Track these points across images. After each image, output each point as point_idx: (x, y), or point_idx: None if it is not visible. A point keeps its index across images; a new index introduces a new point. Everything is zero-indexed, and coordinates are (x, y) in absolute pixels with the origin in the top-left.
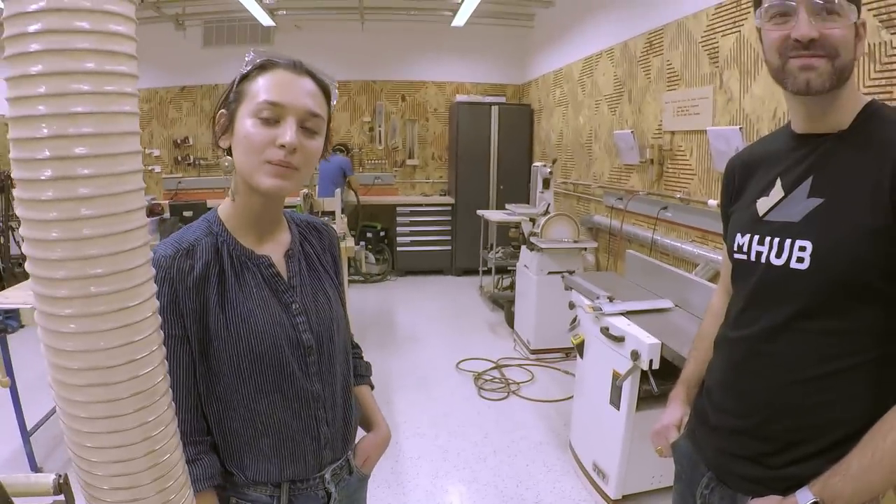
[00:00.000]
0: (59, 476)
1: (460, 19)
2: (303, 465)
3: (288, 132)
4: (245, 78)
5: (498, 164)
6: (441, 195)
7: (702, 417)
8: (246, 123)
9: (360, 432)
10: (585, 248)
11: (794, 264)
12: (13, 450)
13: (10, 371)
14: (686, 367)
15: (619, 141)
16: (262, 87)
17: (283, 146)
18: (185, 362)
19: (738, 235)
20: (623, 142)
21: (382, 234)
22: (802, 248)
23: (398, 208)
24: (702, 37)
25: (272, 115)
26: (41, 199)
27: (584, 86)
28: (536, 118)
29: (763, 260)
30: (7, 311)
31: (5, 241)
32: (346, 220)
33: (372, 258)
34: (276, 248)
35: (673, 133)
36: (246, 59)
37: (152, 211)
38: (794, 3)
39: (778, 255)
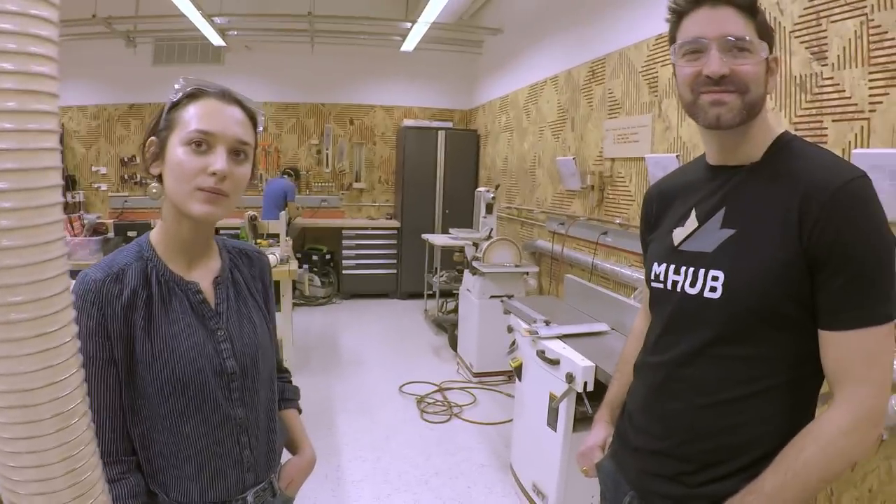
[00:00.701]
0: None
1: (409, 44)
2: (225, 488)
3: (219, 160)
4: (175, 106)
5: (444, 188)
6: (387, 219)
7: (623, 439)
8: (178, 151)
9: (288, 455)
10: (527, 273)
11: (707, 294)
12: None
13: None
14: (610, 389)
15: (561, 167)
16: (193, 116)
17: (214, 174)
18: (111, 384)
19: (656, 264)
20: (565, 168)
21: (328, 257)
22: (715, 279)
23: (344, 231)
24: (642, 66)
25: (203, 144)
26: None
27: (528, 112)
28: (482, 143)
29: (679, 289)
30: None
31: None
32: (290, 242)
33: (318, 281)
34: (205, 275)
35: (613, 160)
36: (175, 86)
37: (96, 230)
38: (706, 41)
39: (692, 285)
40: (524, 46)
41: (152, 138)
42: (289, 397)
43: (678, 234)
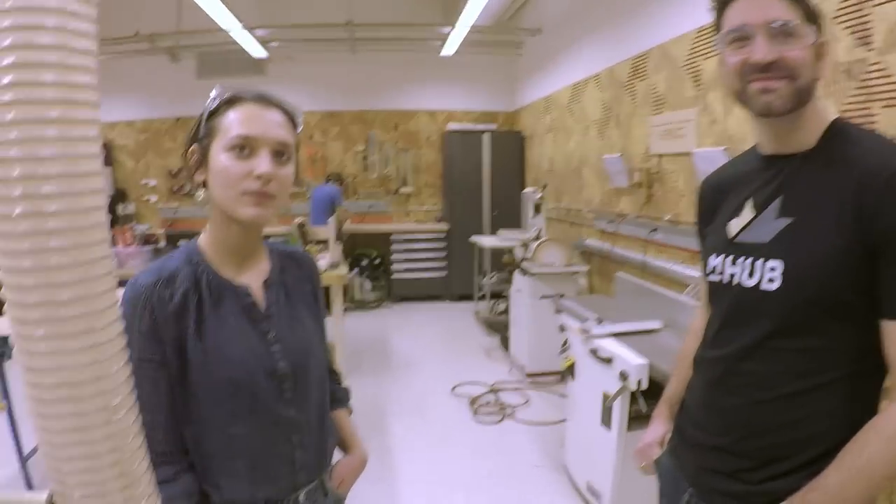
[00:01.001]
0: (52, 494)
1: (449, 49)
2: (277, 488)
3: (262, 163)
4: (214, 113)
5: (491, 190)
6: (436, 222)
7: (682, 435)
8: (221, 158)
9: (340, 455)
10: (577, 272)
11: (764, 285)
12: (10, 473)
13: (6, 396)
14: (669, 385)
15: (608, 165)
16: (234, 122)
17: (259, 177)
18: (164, 387)
19: (712, 257)
20: (612, 166)
21: (378, 261)
22: (773, 269)
23: (393, 236)
24: (684, 60)
25: (246, 148)
26: (15, 232)
27: (572, 111)
28: (528, 144)
29: (736, 281)
30: (4, 338)
31: None
32: (340, 247)
33: (368, 285)
34: (254, 278)
35: (660, 156)
36: (212, 94)
37: (147, 240)
38: (751, 28)
39: (750, 276)
40: (564, 45)
41: (194, 146)
42: (339, 398)
43: (734, 226)
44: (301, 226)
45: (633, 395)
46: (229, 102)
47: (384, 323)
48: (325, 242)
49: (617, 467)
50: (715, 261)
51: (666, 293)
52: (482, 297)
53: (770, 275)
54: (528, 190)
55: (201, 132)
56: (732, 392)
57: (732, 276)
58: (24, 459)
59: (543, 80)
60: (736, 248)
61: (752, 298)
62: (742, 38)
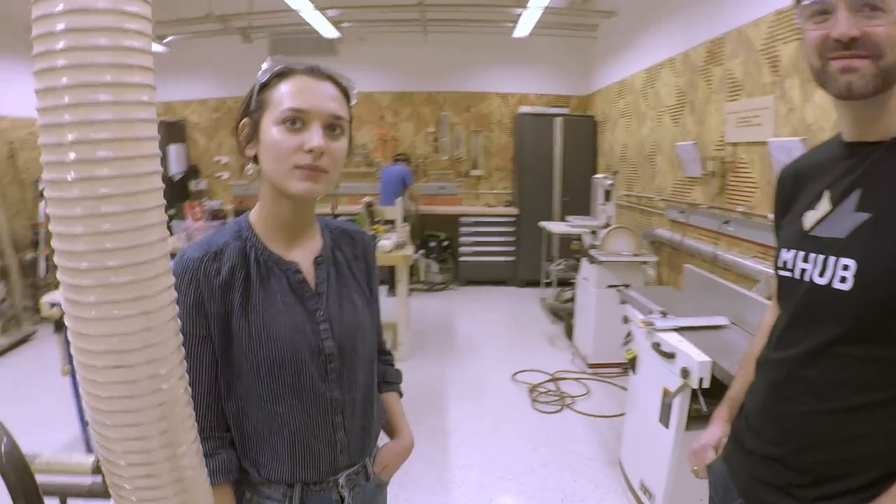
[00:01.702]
0: (98, 460)
1: (522, 30)
2: (316, 469)
3: (315, 137)
4: (265, 86)
5: (562, 175)
6: (505, 206)
7: (737, 440)
8: (272, 131)
9: (385, 439)
10: (646, 262)
11: (836, 284)
12: (72, 436)
13: (70, 361)
14: (732, 385)
15: (681, 153)
16: (286, 95)
17: (310, 151)
18: (208, 361)
19: (784, 251)
20: (685, 153)
21: (446, 243)
22: (846, 267)
23: (462, 218)
24: (762, 44)
25: (298, 121)
26: (67, 197)
27: (646, 97)
28: (600, 130)
29: (807, 278)
30: None
31: None
32: (407, 228)
33: (435, 267)
34: (305, 255)
35: (735, 145)
36: (263, 67)
37: (216, 216)
38: (833, 1)
39: (821, 274)
40: (639, 28)
41: (245, 120)
42: (390, 380)
43: (809, 218)
44: (369, 205)
45: (694, 394)
46: (281, 75)
47: (450, 305)
48: (392, 223)
49: (672, 468)
50: (787, 255)
51: (735, 288)
52: (549, 284)
53: (842, 273)
54: (598, 176)
55: (252, 105)
56: (792, 399)
57: (804, 272)
58: (85, 423)
59: (617, 63)
60: (810, 243)
61: (821, 298)
62: (823, 10)
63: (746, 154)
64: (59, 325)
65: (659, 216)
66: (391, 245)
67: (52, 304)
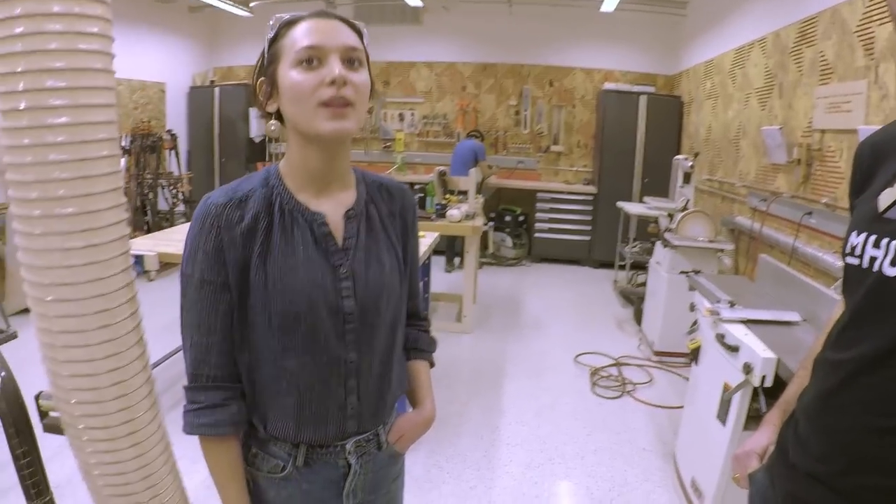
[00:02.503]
0: (41, 393)
1: (609, 5)
2: (323, 432)
3: (334, 67)
4: (275, 40)
5: (644, 156)
6: (584, 184)
7: (782, 450)
8: (290, 75)
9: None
10: (722, 250)
11: None
12: None
13: None
14: (788, 387)
15: (766, 138)
16: (298, 37)
17: (333, 82)
18: (224, 309)
19: (854, 234)
20: (771, 139)
21: (521, 218)
22: None
23: (539, 194)
24: (857, 25)
25: (314, 60)
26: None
27: (734, 78)
28: (686, 111)
29: (875, 267)
30: (135, 257)
31: (154, 196)
32: (480, 200)
33: (509, 242)
34: (335, 207)
35: (823, 132)
36: (269, 23)
37: None
38: None
39: (893, 263)
40: (730, 6)
41: (262, 79)
42: (421, 347)
43: (885, 198)
44: (442, 174)
45: (755, 392)
46: (288, 24)
47: (520, 281)
48: (465, 193)
49: (725, 469)
50: (856, 239)
51: (811, 283)
52: (622, 267)
53: None
54: (679, 157)
55: (265, 61)
56: (844, 410)
57: (873, 260)
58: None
59: (706, 42)
60: (883, 226)
61: (891, 292)
62: None
63: (834, 142)
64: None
65: (740, 203)
66: (460, 215)
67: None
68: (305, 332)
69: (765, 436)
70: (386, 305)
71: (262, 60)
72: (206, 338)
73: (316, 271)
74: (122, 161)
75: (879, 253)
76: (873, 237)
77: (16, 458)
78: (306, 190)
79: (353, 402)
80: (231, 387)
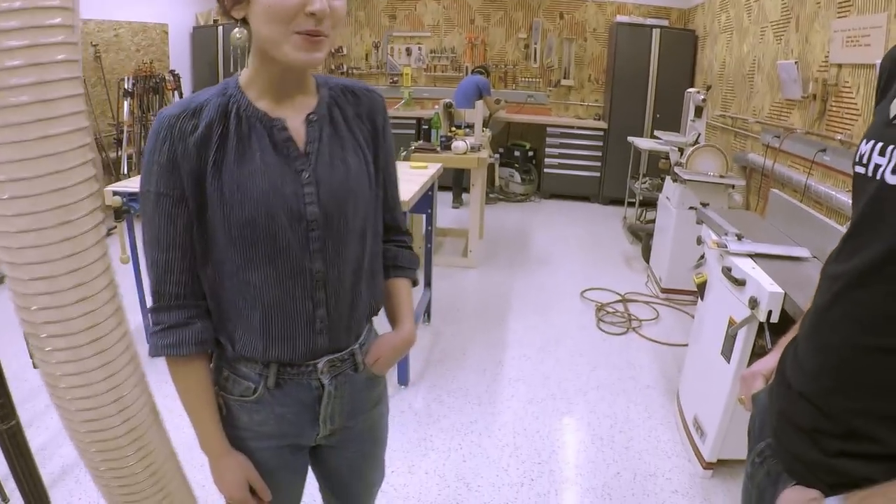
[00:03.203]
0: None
1: None
2: (291, 348)
3: (317, 0)
4: None
5: (656, 90)
6: (595, 119)
7: (781, 368)
8: None
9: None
10: (733, 186)
11: None
12: (134, 324)
13: (133, 251)
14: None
15: (781, 72)
16: None
17: (313, 14)
18: (182, 224)
19: (864, 142)
20: (786, 73)
21: (531, 154)
22: None
23: (548, 129)
24: None
25: None
26: None
27: (750, 10)
28: (700, 45)
29: (879, 175)
30: (132, 194)
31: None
32: (487, 134)
33: (518, 177)
34: (296, 111)
35: (840, 66)
36: None
37: None
38: None
39: (895, 171)
40: None
41: None
42: (402, 265)
43: (895, 106)
44: (448, 106)
45: (761, 328)
46: None
47: (529, 217)
48: (471, 127)
49: (728, 407)
50: (864, 147)
51: (823, 219)
52: (632, 204)
53: None
54: (690, 90)
55: None
56: (834, 326)
57: (878, 168)
58: (146, 312)
59: None
60: (891, 133)
61: (890, 201)
62: None
63: (851, 77)
64: (119, 214)
65: (753, 140)
66: (465, 147)
67: (115, 193)
68: (265, 241)
69: (773, 358)
70: (353, 211)
71: None
72: (165, 254)
73: (275, 177)
74: (126, 103)
75: (883, 161)
76: (880, 144)
77: None
78: (265, 98)
79: (322, 315)
80: (194, 304)
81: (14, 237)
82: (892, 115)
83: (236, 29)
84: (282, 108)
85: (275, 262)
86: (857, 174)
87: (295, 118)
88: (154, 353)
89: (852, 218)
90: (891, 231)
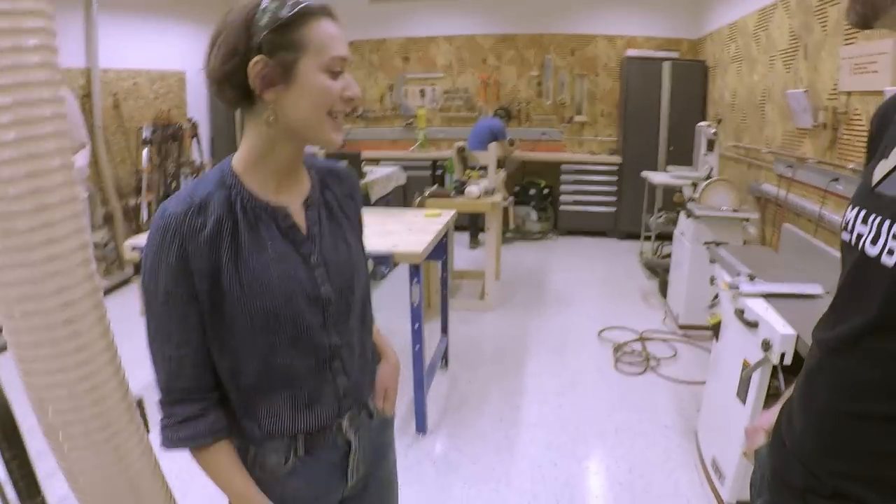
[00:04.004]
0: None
1: None
2: (320, 417)
3: (353, 85)
4: (293, 26)
5: (669, 123)
6: (609, 154)
7: (778, 426)
8: (321, 78)
9: None
10: (746, 219)
11: (884, 258)
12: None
13: None
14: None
15: (791, 101)
16: (327, 40)
17: (351, 99)
18: (193, 322)
19: (849, 208)
20: (796, 102)
21: (546, 191)
22: None
23: (563, 166)
24: None
25: (340, 70)
26: None
27: (758, 40)
28: (711, 76)
29: (860, 245)
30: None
31: (177, 185)
32: (501, 175)
33: (534, 216)
34: (293, 198)
35: (849, 94)
36: (266, 5)
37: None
38: None
39: (874, 242)
40: None
41: (261, 57)
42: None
43: (879, 170)
44: (461, 150)
45: (775, 370)
46: (307, 15)
47: (546, 256)
48: (485, 169)
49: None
50: (850, 214)
51: (835, 254)
52: (648, 238)
53: (893, 244)
54: (701, 124)
55: (271, 44)
56: (818, 391)
57: (860, 237)
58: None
59: (730, 4)
60: (872, 201)
61: (868, 271)
62: None
63: (861, 104)
64: (138, 267)
65: (767, 170)
66: (478, 191)
67: (134, 248)
68: (288, 325)
69: (775, 412)
70: (358, 284)
71: (252, 38)
72: (177, 350)
73: (288, 264)
74: (145, 151)
75: (865, 230)
76: (863, 213)
77: (6, 462)
78: (266, 186)
79: (342, 381)
80: (206, 397)
81: None
82: (874, 182)
83: (269, 111)
84: (281, 193)
85: (297, 343)
86: (843, 241)
87: (294, 202)
88: (169, 445)
89: (838, 284)
90: (868, 305)
